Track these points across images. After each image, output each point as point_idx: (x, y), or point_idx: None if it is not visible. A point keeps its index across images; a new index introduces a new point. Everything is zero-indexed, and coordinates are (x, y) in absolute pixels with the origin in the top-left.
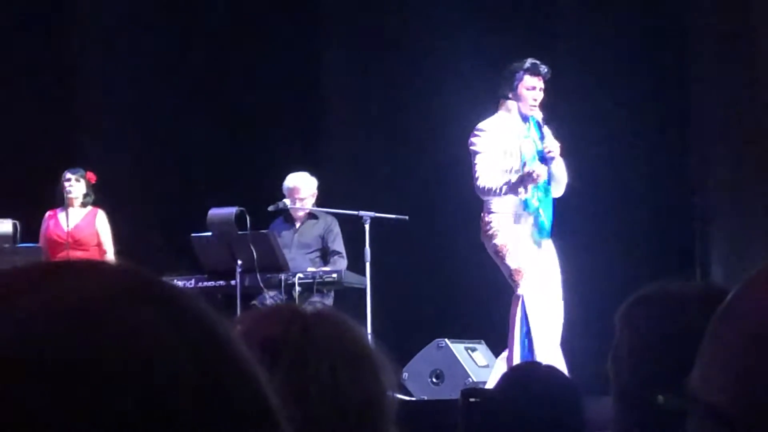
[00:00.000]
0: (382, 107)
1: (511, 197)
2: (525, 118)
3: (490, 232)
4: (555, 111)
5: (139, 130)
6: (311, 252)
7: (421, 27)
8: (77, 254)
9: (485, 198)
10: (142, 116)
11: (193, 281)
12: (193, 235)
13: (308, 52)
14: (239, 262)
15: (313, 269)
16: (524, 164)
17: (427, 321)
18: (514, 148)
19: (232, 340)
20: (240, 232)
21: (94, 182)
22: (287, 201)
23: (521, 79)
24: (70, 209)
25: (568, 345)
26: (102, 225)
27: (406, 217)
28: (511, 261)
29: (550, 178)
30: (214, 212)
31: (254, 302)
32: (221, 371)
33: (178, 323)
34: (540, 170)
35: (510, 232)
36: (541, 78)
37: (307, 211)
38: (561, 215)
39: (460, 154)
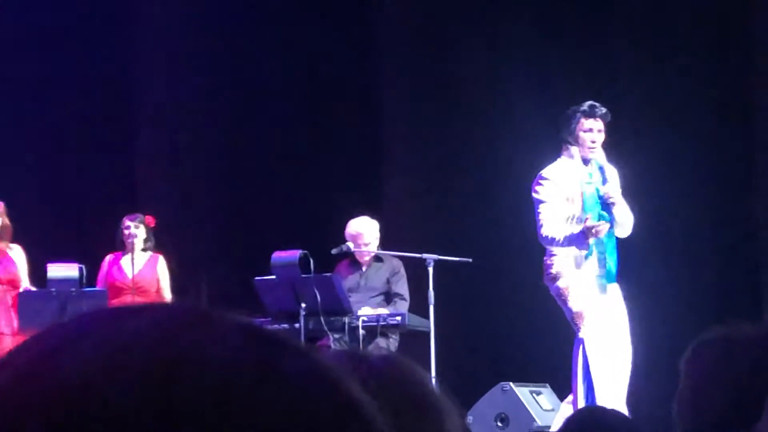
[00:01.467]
0: (443, 149)
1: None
2: (586, 161)
3: (553, 274)
4: (619, 151)
5: (200, 174)
6: (377, 295)
7: (481, 69)
8: (140, 301)
9: (548, 247)
10: (203, 161)
11: (260, 323)
12: (256, 278)
13: (368, 94)
14: (303, 305)
15: (382, 311)
16: (585, 210)
17: (491, 364)
18: (576, 194)
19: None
20: (304, 276)
21: (153, 226)
22: (350, 244)
23: (578, 122)
24: (132, 255)
25: (634, 388)
26: (162, 271)
27: (470, 260)
28: (573, 304)
29: (612, 222)
30: (278, 256)
31: (322, 343)
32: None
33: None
34: (602, 227)
35: (572, 275)
36: (598, 119)
37: (373, 254)
38: (626, 257)
39: (522, 195)
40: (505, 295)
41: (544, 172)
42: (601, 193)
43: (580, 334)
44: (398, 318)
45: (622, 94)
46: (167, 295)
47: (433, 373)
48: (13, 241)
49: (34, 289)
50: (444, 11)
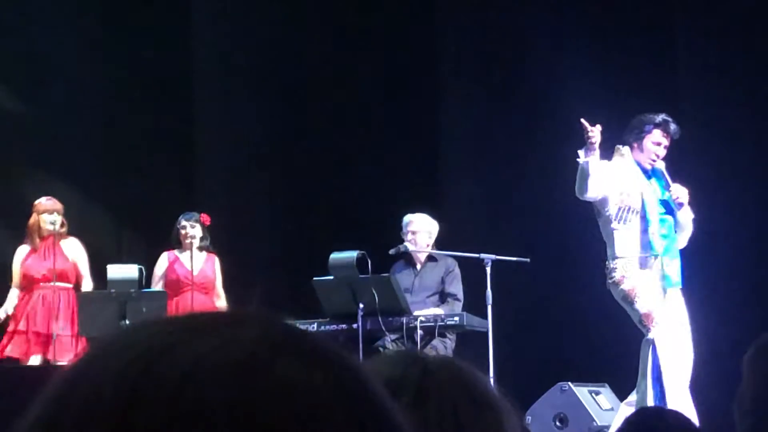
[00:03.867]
0: (502, 149)
1: (635, 241)
2: (643, 169)
3: (617, 278)
4: (681, 165)
5: (257, 175)
6: (432, 295)
7: (542, 70)
8: (200, 297)
9: (580, 188)
10: (260, 162)
11: (315, 325)
12: (315, 279)
13: (428, 94)
14: (361, 305)
15: (437, 312)
16: (645, 211)
17: (549, 364)
18: (633, 189)
19: (382, 395)
20: (361, 276)
21: (208, 225)
22: (408, 244)
23: (650, 132)
24: (189, 252)
25: (695, 390)
26: (218, 271)
27: (528, 260)
28: (642, 305)
29: (677, 226)
30: (336, 256)
31: (378, 345)
32: (376, 427)
33: (337, 383)
34: (592, 132)
35: (637, 276)
36: (668, 136)
37: (428, 253)
38: (688, 264)
39: None
40: (564, 295)
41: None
42: (671, 195)
43: (650, 335)
44: (456, 318)
45: (683, 111)
46: (221, 293)
47: (491, 374)
48: (68, 235)
49: (90, 282)
50: (509, 12)
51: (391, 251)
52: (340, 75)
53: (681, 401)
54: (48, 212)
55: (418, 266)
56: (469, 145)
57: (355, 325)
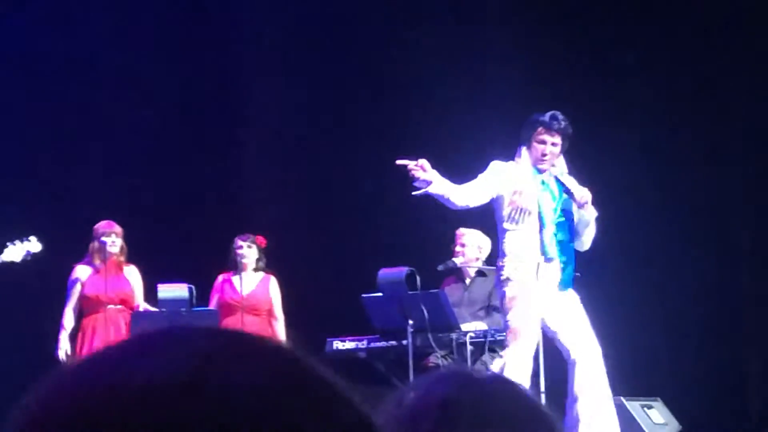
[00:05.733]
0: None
1: (528, 241)
2: (539, 171)
3: (503, 277)
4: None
5: (308, 194)
6: (479, 309)
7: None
8: (250, 319)
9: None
10: (311, 181)
11: (365, 341)
12: (364, 295)
13: (472, 113)
14: (410, 322)
15: (485, 327)
16: (542, 217)
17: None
18: (526, 190)
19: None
20: (411, 292)
21: (264, 246)
22: (456, 260)
23: (535, 130)
24: (244, 274)
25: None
26: (275, 292)
27: (578, 274)
28: (513, 319)
29: (579, 225)
30: (385, 273)
31: (428, 361)
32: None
33: (329, 416)
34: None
35: (522, 282)
36: (556, 133)
37: (477, 269)
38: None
39: (626, 209)
40: (611, 308)
41: (496, 161)
42: (559, 201)
43: (505, 352)
44: (505, 334)
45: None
46: (279, 315)
47: (543, 388)
48: (128, 262)
49: (148, 308)
50: None
51: (440, 267)
52: (394, 93)
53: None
54: (107, 235)
55: (468, 281)
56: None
57: (404, 342)
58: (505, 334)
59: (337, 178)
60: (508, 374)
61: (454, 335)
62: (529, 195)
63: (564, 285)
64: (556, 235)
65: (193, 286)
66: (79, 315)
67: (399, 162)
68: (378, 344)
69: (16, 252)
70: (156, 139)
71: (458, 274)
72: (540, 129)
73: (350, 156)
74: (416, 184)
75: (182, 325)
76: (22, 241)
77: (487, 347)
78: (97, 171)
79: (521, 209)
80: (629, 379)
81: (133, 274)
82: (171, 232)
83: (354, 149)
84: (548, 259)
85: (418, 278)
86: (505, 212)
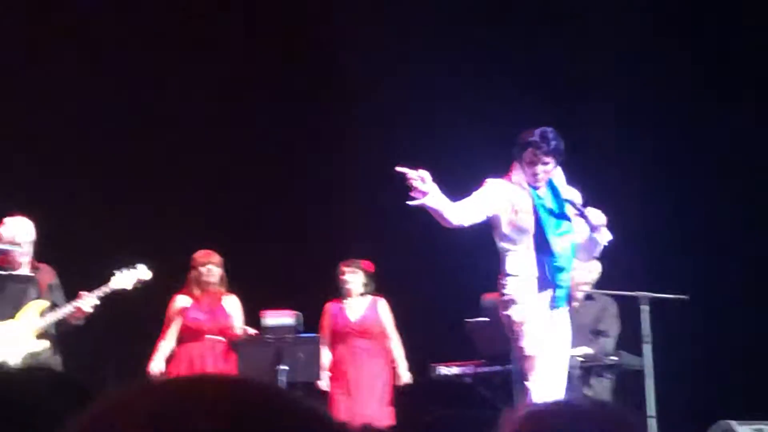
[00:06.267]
0: (655, 187)
1: (528, 260)
2: (534, 187)
3: (506, 297)
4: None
5: (412, 217)
6: (587, 333)
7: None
8: (362, 343)
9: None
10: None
11: (472, 367)
12: (467, 320)
13: (574, 136)
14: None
15: (591, 351)
16: (545, 228)
17: (710, 402)
18: (523, 208)
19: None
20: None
21: (371, 271)
22: None
23: (525, 150)
24: (351, 300)
25: None
26: (384, 313)
27: (686, 297)
28: (528, 345)
29: (587, 244)
30: (489, 298)
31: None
32: None
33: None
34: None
35: (529, 305)
36: (546, 154)
37: (585, 292)
38: None
39: (738, 231)
40: (724, 330)
41: (490, 179)
42: (592, 220)
43: (528, 384)
44: (613, 357)
45: None
46: (393, 335)
47: (652, 412)
48: (229, 291)
49: (248, 330)
50: None
51: None
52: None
53: None
54: (204, 264)
55: (576, 304)
56: (621, 182)
57: (509, 366)
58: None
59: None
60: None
61: None
62: (526, 213)
63: (559, 302)
64: (557, 253)
65: (299, 313)
66: (177, 343)
67: (399, 169)
68: (483, 369)
69: (125, 279)
70: (256, 164)
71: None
72: (530, 150)
73: (451, 180)
74: (413, 194)
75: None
76: (130, 268)
77: (594, 371)
78: (199, 198)
79: (519, 228)
80: (740, 401)
81: (232, 304)
82: (276, 257)
83: (454, 173)
84: (556, 275)
85: None
86: (504, 231)
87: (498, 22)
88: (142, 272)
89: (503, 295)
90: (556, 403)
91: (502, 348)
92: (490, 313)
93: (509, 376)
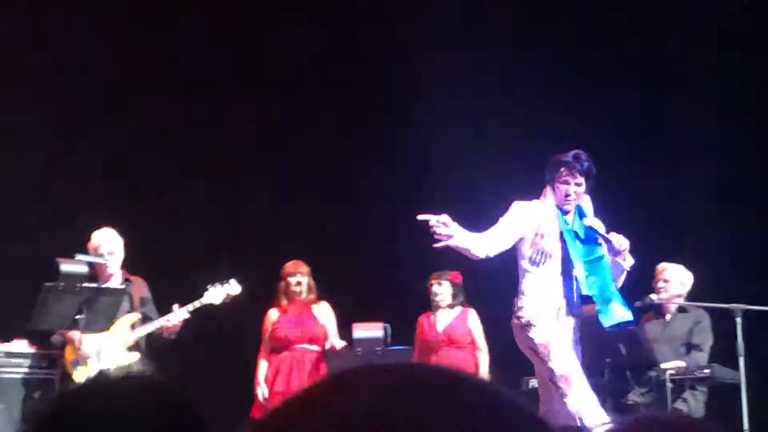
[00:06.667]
0: (746, 194)
1: (548, 283)
2: (562, 210)
3: (524, 320)
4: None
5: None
6: (680, 346)
7: None
8: (452, 353)
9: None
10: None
11: None
12: None
13: (664, 141)
14: (608, 360)
15: (683, 365)
16: (567, 253)
17: None
18: (550, 232)
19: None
20: (608, 329)
21: (459, 282)
22: (653, 296)
23: (558, 171)
24: (440, 311)
25: None
26: (474, 324)
27: None
28: (558, 363)
29: (601, 271)
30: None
31: (627, 399)
32: None
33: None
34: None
35: (547, 326)
36: (579, 174)
37: (678, 305)
38: None
39: None
40: None
41: (519, 202)
42: (615, 245)
43: (569, 401)
44: (706, 371)
45: None
46: (482, 346)
47: (746, 427)
48: (320, 300)
49: (335, 344)
50: None
51: (637, 304)
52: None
53: None
54: (292, 275)
55: (668, 317)
56: (709, 194)
57: (601, 379)
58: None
59: None
60: (589, 421)
61: (653, 373)
62: (553, 237)
63: (605, 316)
64: (588, 276)
65: (388, 325)
66: (270, 354)
67: (420, 217)
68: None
69: (216, 295)
70: (349, 177)
71: (658, 310)
72: (563, 170)
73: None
74: (437, 237)
75: (371, 363)
76: (222, 284)
77: (687, 385)
78: (292, 210)
79: (543, 252)
80: None
81: (324, 312)
82: (367, 269)
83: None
84: (575, 302)
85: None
86: (527, 253)
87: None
88: (233, 287)
89: (519, 318)
90: (646, 419)
91: (595, 361)
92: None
93: (601, 389)
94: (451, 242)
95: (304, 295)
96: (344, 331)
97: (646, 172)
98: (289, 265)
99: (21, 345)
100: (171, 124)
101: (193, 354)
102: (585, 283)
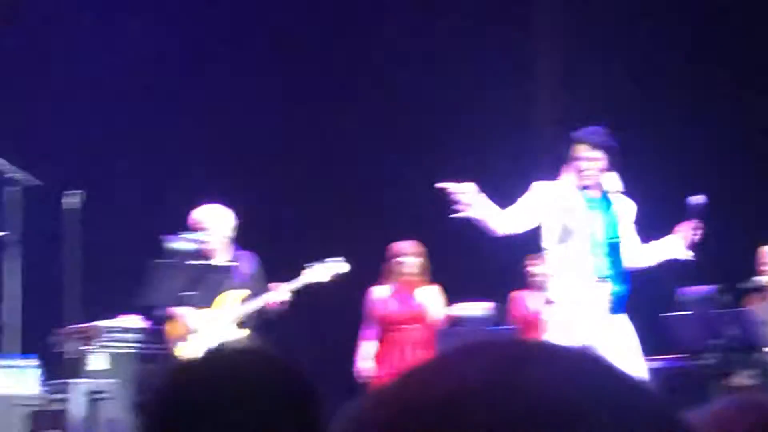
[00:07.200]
0: None
1: (574, 262)
2: (583, 187)
3: (549, 299)
4: None
5: None
6: None
7: None
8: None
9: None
10: None
11: (666, 361)
12: (665, 315)
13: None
14: (714, 341)
15: None
16: (592, 237)
17: None
18: (574, 210)
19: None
20: (717, 311)
21: None
22: (760, 278)
23: (573, 146)
24: (537, 292)
25: None
26: None
27: None
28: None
29: (652, 253)
30: (689, 291)
31: (733, 381)
32: None
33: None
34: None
35: (570, 307)
36: (594, 148)
37: None
38: None
39: None
40: None
41: (537, 183)
42: (613, 219)
43: None
44: None
45: None
46: None
47: None
48: (429, 281)
49: (447, 328)
50: None
51: (743, 285)
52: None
53: None
54: (401, 255)
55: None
56: None
57: (710, 361)
58: None
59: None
60: None
61: (760, 354)
62: (575, 215)
63: (614, 309)
64: (608, 255)
65: (496, 305)
66: (378, 335)
67: (439, 185)
68: (678, 363)
69: (322, 272)
70: (458, 158)
71: (762, 291)
72: (578, 145)
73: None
74: (456, 207)
75: (488, 338)
76: (329, 261)
77: None
78: (400, 193)
79: (567, 229)
80: None
81: (431, 293)
82: (473, 251)
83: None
84: (599, 280)
85: (724, 296)
86: (551, 232)
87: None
88: (339, 265)
89: (546, 296)
90: (750, 402)
91: (699, 342)
92: (691, 306)
93: (709, 371)
94: (470, 212)
95: (415, 276)
96: (452, 311)
97: (755, 155)
98: (399, 245)
99: (133, 320)
100: (274, 99)
101: (299, 330)
102: (605, 263)
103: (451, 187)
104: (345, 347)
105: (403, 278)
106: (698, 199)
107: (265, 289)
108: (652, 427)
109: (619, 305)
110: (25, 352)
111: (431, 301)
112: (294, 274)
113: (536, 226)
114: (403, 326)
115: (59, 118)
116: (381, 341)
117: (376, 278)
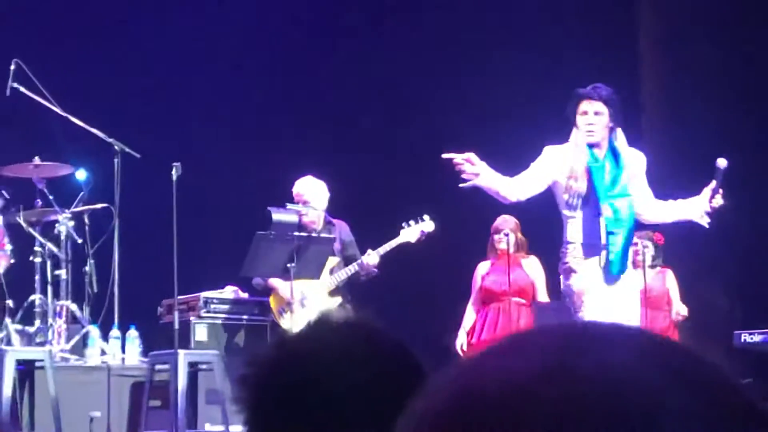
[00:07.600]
0: None
1: (589, 228)
2: (590, 146)
3: (567, 265)
4: None
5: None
6: None
7: None
8: (652, 314)
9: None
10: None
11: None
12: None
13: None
14: None
15: None
16: (597, 191)
17: None
18: (579, 173)
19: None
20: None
21: (661, 243)
22: None
23: (577, 105)
24: (639, 270)
25: None
26: (671, 284)
27: None
28: (587, 316)
29: (668, 211)
30: None
31: None
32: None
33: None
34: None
35: (586, 273)
36: (596, 101)
37: None
38: None
39: None
40: None
41: (548, 147)
42: (618, 171)
43: None
44: None
45: None
46: (679, 307)
47: None
48: (529, 254)
49: (547, 302)
50: None
51: None
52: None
53: None
54: (498, 231)
55: None
56: None
57: None
58: None
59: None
60: None
61: None
62: (581, 176)
63: (612, 267)
64: (616, 212)
65: None
66: (479, 306)
67: (445, 156)
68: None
69: (411, 233)
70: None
71: None
72: (580, 101)
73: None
74: (464, 176)
75: (542, 325)
76: (417, 221)
77: None
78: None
79: (578, 194)
80: None
81: (533, 266)
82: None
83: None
84: (607, 239)
85: None
86: (563, 198)
87: None
88: (427, 225)
89: (563, 264)
90: None
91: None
92: None
93: None
94: (478, 182)
95: (511, 250)
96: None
97: None
98: (498, 221)
99: (236, 292)
100: (373, 74)
101: (393, 296)
102: (613, 222)
103: (456, 157)
104: (446, 318)
105: (503, 252)
106: (722, 163)
107: (359, 255)
108: (738, 407)
109: (617, 266)
110: (129, 322)
111: (534, 275)
112: (377, 240)
113: (543, 191)
114: (505, 298)
115: (158, 94)
116: (484, 313)
117: (465, 245)
